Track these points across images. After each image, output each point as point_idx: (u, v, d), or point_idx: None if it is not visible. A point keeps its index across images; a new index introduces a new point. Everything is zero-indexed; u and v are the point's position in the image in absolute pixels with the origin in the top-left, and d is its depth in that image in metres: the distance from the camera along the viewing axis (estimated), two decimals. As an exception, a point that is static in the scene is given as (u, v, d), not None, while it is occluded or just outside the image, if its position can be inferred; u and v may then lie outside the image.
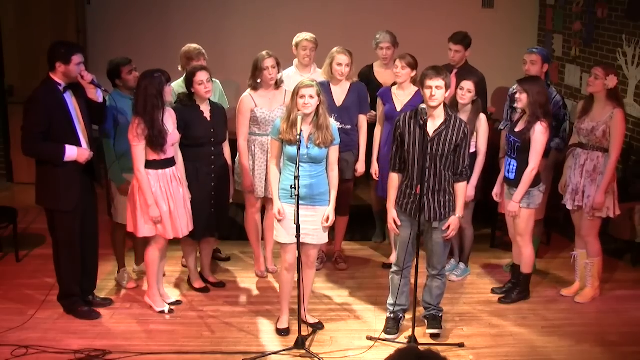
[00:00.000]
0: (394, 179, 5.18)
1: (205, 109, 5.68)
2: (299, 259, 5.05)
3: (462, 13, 8.14)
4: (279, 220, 5.16)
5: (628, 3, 6.75)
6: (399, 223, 5.16)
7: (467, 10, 8.24)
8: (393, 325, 5.32)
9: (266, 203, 6.07)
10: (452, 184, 5.09)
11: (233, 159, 6.04)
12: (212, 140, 5.71)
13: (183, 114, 5.55)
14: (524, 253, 5.70)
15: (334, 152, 5.24)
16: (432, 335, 5.27)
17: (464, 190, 5.15)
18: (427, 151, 4.95)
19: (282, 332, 5.35)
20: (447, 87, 4.97)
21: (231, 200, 6.10)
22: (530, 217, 5.62)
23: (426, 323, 5.33)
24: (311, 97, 5.02)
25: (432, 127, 5.00)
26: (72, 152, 5.19)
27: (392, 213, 5.18)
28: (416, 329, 5.15)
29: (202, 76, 5.55)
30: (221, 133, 5.79)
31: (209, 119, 5.68)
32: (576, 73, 7.60)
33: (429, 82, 4.91)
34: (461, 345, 5.15)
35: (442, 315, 5.37)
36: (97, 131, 5.63)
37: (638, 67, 6.65)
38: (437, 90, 4.90)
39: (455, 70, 6.40)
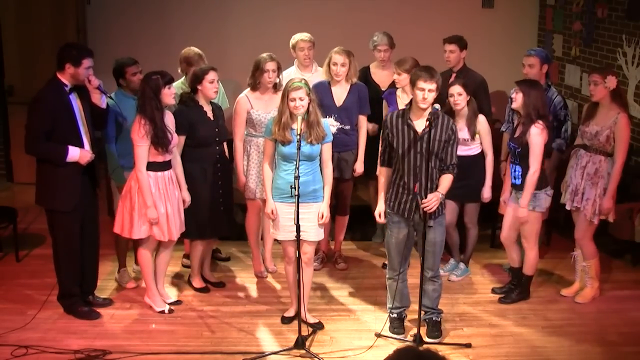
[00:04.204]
0: (383, 172, 5.21)
1: (208, 109, 5.71)
2: (298, 259, 5.06)
3: (462, 13, 8.14)
4: (272, 220, 5.19)
5: (628, 3, 6.75)
6: (382, 219, 5.19)
7: (467, 10, 8.24)
8: (399, 325, 5.34)
9: (264, 203, 6.07)
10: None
11: (231, 158, 6.05)
12: (217, 139, 5.74)
13: (187, 114, 5.57)
14: (528, 255, 5.70)
15: (327, 150, 5.25)
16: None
17: (449, 180, 5.07)
18: (417, 149, 4.96)
19: (285, 320, 5.44)
20: (439, 88, 4.98)
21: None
22: (537, 220, 5.61)
23: (426, 327, 5.32)
24: (301, 99, 5.04)
25: (420, 125, 5.01)
26: (74, 153, 5.20)
27: (380, 206, 5.21)
28: (423, 329, 5.16)
29: (214, 75, 5.62)
30: (224, 132, 5.82)
31: (212, 118, 5.70)
32: (576, 73, 7.60)
33: (421, 84, 4.91)
34: (468, 346, 5.14)
35: (441, 319, 5.37)
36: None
37: (638, 67, 6.65)
38: (429, 93, 4.91)
39: (453, 74, 6.38)
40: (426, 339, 5.19)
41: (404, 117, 5.03)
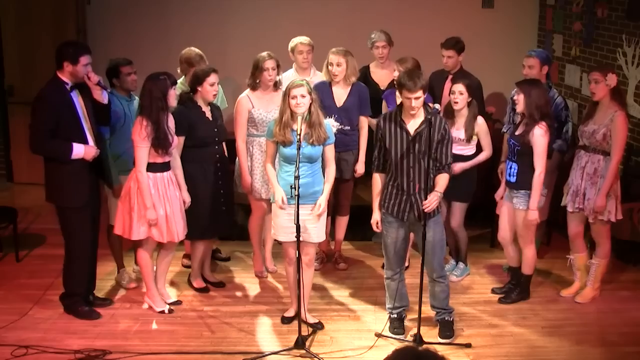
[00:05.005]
0: (378, 179, 5.21)
1: (207, 109, 5.71)
2: (298, 259, 5.06)
3: (462, 13, 8.14)
4: (281, 208, 5.11)
5: (628, 3, 6.74)
6: (379, 228, 5.20)
7: (467, 10, 8.23)
8: (399, 325, 5.34)
9: (269, 205, 6.08)
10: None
11: (231, 158, 6.05)
12: (217, 139, 5.74)
13: (186, 115, 5.58)
14: (526, 254, 5.70)
15: (330, 150, 5.26)
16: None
17: (446, 180, 5.08)
18: (410, 150, 4.97)
19: (285, 320, 5.44)
20: (425, 90, 4.98)
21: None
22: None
23: (438, 328, 5.32)
24: (302, 96, 5.05)
25: (412, 126, 5.01)
26: (79, 150, 5.21)
27: (376, 215, 5.21)
28: (423, 328, 5.15)
29: (215, 78, 5.62)
30: (223, 132, 5.82)
31: (210, 118, 5.71)
32: (576, 73, 7.60)
33: (408, 95, 4.91)
34: (468, 346, 5.15)
35: (453, 318, 5.36)
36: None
37: (638, 67, 6.65)
38: (415, 101, 4.92)
39: (450, 76, 6.39)
40: (438, 339, 5.21)
41: (396, 119, 5.04)
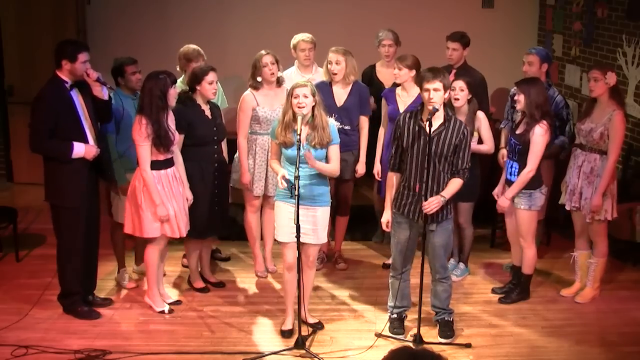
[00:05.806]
0: (393, 178, 5.19)
1: (206, 108, 5.71)
2: (299, 258, 5.05)
3: (462, 13, 8.14)
4: (282, 187, 5.04)
5: (628, 3, 6.74)
6: (389, 228, 5.18)
7: (467, 10, 8.23)
8: (399, 325, 5.33)
9: (264, 203, 6.08)
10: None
11: (231, 156, 6.05)
12: (215, 138, 5.74)
13: (185, 113, 5.57)
14: (527, 254, 5.70)
15: (334, 151, 5.19)
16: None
17: (457, 185, 5.05)
18: (426, 151, 4.95)
19: (286, 334, 5.33)
20: (446, 88, 4.96)
21: (230, 200, 6.11)
22: (533, 219, 5.61)
23: (438, 328, 5.32)
24: (305, 96, 5.02)
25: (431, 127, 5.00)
26: (79, 149, 5.22)
27: (387, 214, 5.20)
28: (423, 328, 5.15)
29: (213, 76, 5.61)
30: (222, 131, 5.82)
31: (210, 117, 5.70)
32: (576, 73, 7.60)
33: (426, 85, 4.91)
34: (468, 346, 5.15)
35: (453, 319, 5.36)
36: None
37: (638, 67, 6.65)
38: (434, 93, 4.89)
39: (454, 71, 6.39)
40: (438, 339, 5.21)
41: (416, 118, 5.03)
